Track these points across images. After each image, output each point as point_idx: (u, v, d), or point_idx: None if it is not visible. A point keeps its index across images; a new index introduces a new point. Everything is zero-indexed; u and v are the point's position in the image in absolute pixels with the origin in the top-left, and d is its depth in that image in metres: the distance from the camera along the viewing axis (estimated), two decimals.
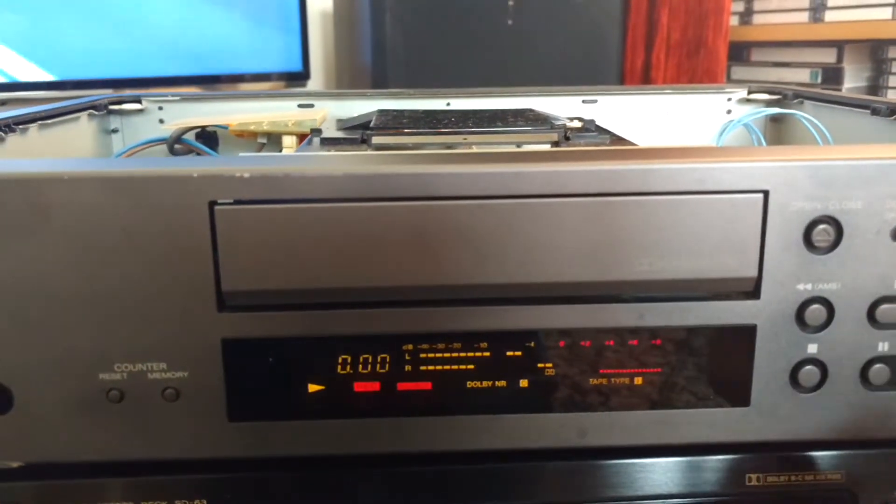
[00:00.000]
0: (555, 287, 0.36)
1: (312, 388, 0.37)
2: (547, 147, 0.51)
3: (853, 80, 1.51)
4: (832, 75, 1.51)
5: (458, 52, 1.33)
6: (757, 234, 0.36)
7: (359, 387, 0.37)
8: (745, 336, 0.37)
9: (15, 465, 0.38)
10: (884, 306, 0.37)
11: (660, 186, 0.35)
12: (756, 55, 1.65)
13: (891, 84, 1.49)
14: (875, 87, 1.52)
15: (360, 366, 0.37)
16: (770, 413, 0.38)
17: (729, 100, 0.75)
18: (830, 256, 0.36)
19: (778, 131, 0.74)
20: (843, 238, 0.36)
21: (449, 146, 0.50)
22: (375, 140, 0.50)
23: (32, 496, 0.39)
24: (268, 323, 0.36)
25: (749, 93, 0.75)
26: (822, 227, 0.36)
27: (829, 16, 1.49)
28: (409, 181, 0.35)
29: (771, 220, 0.36)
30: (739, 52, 1.65)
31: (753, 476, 0.41)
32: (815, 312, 0.37)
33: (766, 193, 0.35)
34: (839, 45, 1.50)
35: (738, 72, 1.66)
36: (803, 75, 1.56)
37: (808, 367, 0.38)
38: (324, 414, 0.37)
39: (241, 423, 0.37)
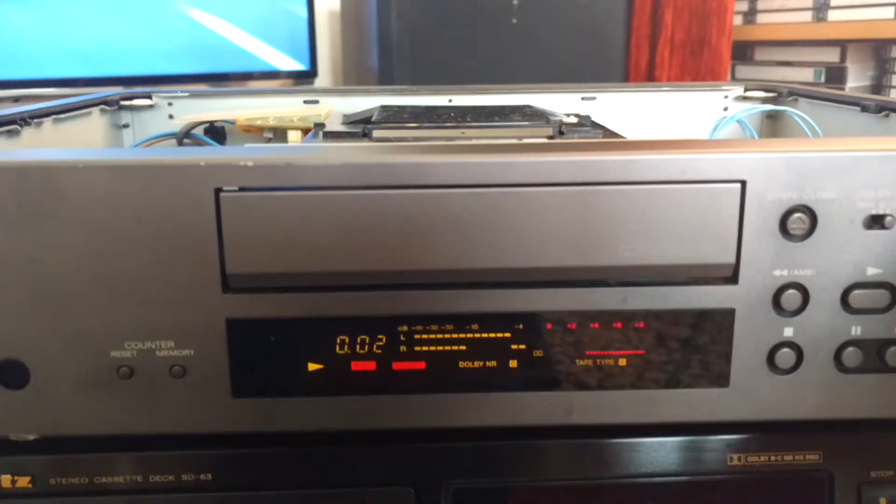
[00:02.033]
0: (543, 272, 0.38)
1: (312, 366, 0.39)
2: (542, 141, 0.53)
3: (856, 80, 1.52)
4: (835, 74, 1.52)
5: (463, 51, 1.35)
6: (735, 222, 0.38)
7: (356, 366, 0.39)
8: (724, 319, 0.39)
9: (31, 437, 0.40)
10: (856, 292, 0.39)
11: (642, 176, 0.37)
12: (759, 54, 1.66)
13: (894, 83, 1.50)
14: (878, 87, 1.53)
15: (358, 346, 0.39)
16: (748, 393, 0.40)
17: (726, 97, 0.77)
18: (805, 244, 0.38)
19: (773, 128, 0.76)
20: (817, 226, 0.38)
21: (448, 140, 0.52)
22: (376, 133, 0.52)
23: (47, 468, 0.41)
24: (270, 304, 0.38)
25: (745, 90, 0.77)
26: (797, 215, 0.38)
27: (833, 15, 1.50)
28: (404, 170, 0.37)
29: (748, 208, 0.37)
30: (743, 52, 1.67)
31: (735, 456, 0.43)
32: (791, 297, 0.39)
33: (743, 183, 0.37)
34: (842, 45, 1.51)
35: (742, 71, 1.67)
36: (807, 74, 1.57)
37: (785, 350, 0.39)
38: (323, 391, 0.39)
39: (244, 399, 0.39)
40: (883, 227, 0.38)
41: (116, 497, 0.41)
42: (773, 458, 0.43)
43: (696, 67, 1.54)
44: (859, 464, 0.43)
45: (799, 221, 0.38)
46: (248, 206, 0.37)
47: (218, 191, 0.36)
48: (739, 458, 0.43)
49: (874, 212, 0.38)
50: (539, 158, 0.37)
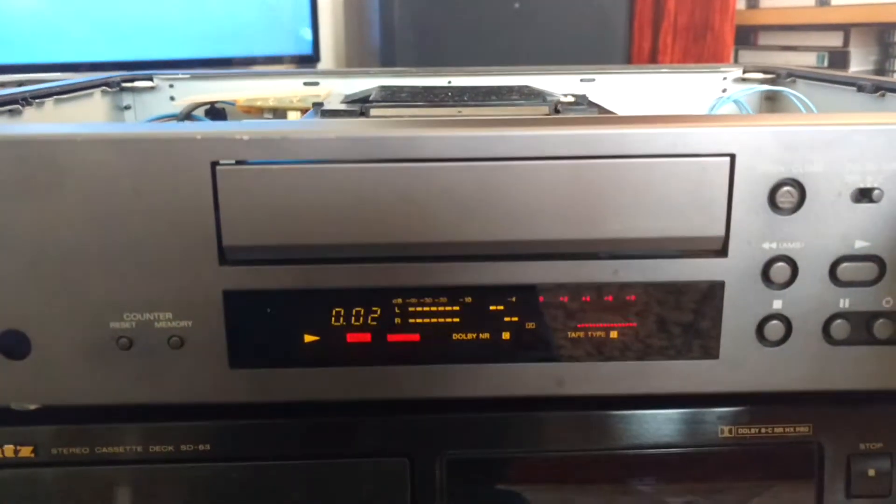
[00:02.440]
0: (535, 244, 0.39)
1: (308, 338, 0.40)
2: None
3: (859, 64, 1.52)
4: (838, 59, 1.52)
5: (465, 35, 1.35)
6: (724, 196, 0.38)
7: (351, 337, 0.40)
8: (713, 292, 0.39)
9: (32, 407, 0.40)
10: (844, 265, 0.39)
11: (634, 150, 0.38)
12: (763, 39, 1.66)
13: None
14: (881, 71, 1.53)
15: (353, 318, 0.40)
16: (738, 365, 0.41)
17: (724, 79, 0.77)
18: (794, 217, 0.38)
19: (771, 109, 0.76)
20: (805, 199, 0.38)
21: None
22: (373, 112, 0.53)
23: (49, 438, 0.41)
24: (266, 276, 0.39)
25: (744, 72, 0.77)
26: (785, 188, 0.38)
27: None
28: (398, 144, 0.37)
29: (737, 182, 0.38)
30: (746, 36, 1.66)
31: (726, 428, 0.43)
32: (780, 270, 0.39)
33: (732, 157, 0.38)
34: (845, 29, 1.50)
35: (745, 56, 1.67)
36: (810, 59, 1.56)
37: (774, 322, 0.40)
38: (319, 362, 0.40)
39: (241, 369, 0.40)
40: (871, 200, 0.38)
41: (117, 466, 0.42)
42: (763, 430, 0.43)
43: (699, 52, 1.54)
44: (849, 436, 0.43)
45: (788, 195, 0.38)
46: (244, 180, 0.37)
47: (214, 164, 0.37)
48: (730, 430, 0.43)
49: (862, 185, 0.38)
50: (532, 132, 0.38)
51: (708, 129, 0.38)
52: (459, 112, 0.54)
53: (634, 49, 1.52)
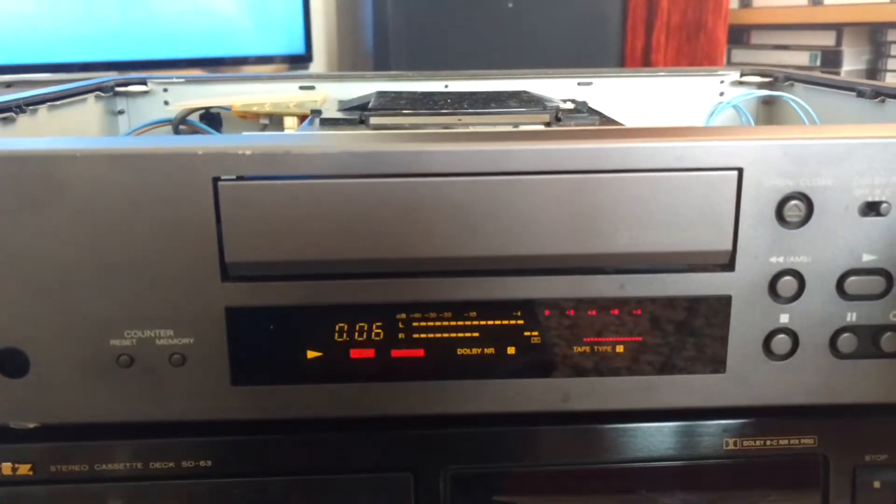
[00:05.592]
0: (541, 259, 0.38)
1: (311, 354, 0.39)
2: (539, 127, 0.53)
3: (852, 63, 1.52)
4: (831, 58, 1.52)
5: (459, 35, 1.34)
6: (732, 210, 0.38)
7: (355, 353, 0.39)
8: (720, 306, 0.39)
9: (31, 425, 0.40)
10: (852, 278, 0.39)
11: (640, 164, 0.37)
12: (756, 38, 1.66)
13: (889, 67, 1.50)
14: (874, 70, 1.53)
15: (356, 333, 0.39)
16: (744, 379, 0.40)
17: (721, 82, 0.77)
18: (802, 231, 0.38)
19: (770, 113, 0.76)
20: (813, 213, 0.38)
21: (444, 127, 0.52)
22: (373, 120, 0.52)
23: (47, 456, 0.41)
24: (269, 292, 0.38)
25: (742, 75, 0.77)
26: (793, 202, 0.38)
27: None
28: (402, 158, 0.37)
29: (745, 196, 0.38)
30: (739, 35, 1.66)
31: (731, 440, 0.43)
32: (787, 284, 0.39)
33: (740, 171, 0.37)
34: (838, 28, 1.51)
35: (738, 55, 1.67)
36: (802, 58, 1.57)
37: (781, 336, 0.40)
38: (321, 379, 0.40)
39: (243, 386, 0.39)
40: (878, 213, 0.38)
41: (117, 484, 0.41)
42: (768, 442, 0.43)
43: (692, 51, 1.54)
44: (854, 448, 0.43)
45: (795, 209, 0.38)
46: (246, 195, 0.37)
47: (216, 179, 0.36)
48: (735, 443, 0.43)
49: (870, 199, 0.38)
50: (536, 146, 0.37)
51: (715, 142, 0.37)
52: (459, 120, 0.53)
53: (628, 48, 1.52)
